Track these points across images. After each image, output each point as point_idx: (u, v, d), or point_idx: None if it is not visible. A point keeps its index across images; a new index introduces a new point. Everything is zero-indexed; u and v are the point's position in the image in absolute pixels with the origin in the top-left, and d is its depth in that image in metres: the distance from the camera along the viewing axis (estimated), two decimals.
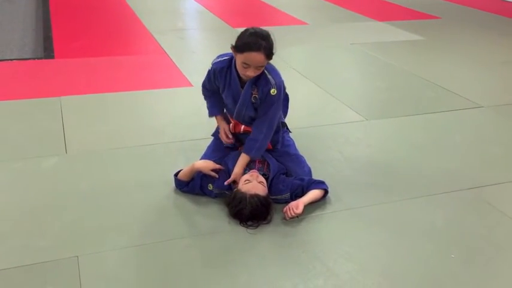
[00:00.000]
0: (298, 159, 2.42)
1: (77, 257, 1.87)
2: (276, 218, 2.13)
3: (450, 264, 1.92)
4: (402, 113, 3.32)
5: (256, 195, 2.08)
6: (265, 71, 2.19)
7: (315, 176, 2.37)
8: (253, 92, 2.22)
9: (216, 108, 2.44)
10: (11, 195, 2.27)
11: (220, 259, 1.90)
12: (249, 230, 2.05)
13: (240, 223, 2.08)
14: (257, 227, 2.07)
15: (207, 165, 2.26)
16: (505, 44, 5.17)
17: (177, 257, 1.90)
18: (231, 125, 2.43)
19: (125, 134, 2.89)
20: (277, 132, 2.39)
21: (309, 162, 2.44)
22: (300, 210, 2.11)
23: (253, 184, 2.13)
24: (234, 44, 2.13)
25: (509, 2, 7.53)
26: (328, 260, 1.90)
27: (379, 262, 1.91)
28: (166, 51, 4.50)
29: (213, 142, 2.51)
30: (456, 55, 4.71)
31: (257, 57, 2.07)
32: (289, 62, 4.17)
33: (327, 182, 2.28)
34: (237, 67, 2.17)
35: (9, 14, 5.94)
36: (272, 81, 2.19)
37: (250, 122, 2.35)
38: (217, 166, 2.28)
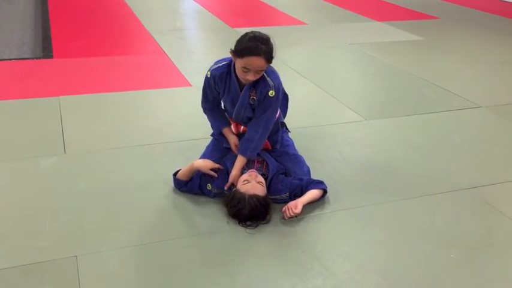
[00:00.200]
0: (297, 159, 2.42)
1: (76, 256, 1.87)
2: (275, 217, 2.13)
3: (449, 264, 1.92)
4: (401, 113, 3.32)
5: (255, 196, 2.08)
6: (264, 74, 2.18)
7: (314, 175, 2.37)
8: (252, 94, 2.22)
9: (220, 122, 2.40)
10: (9, 195, 2.27)
11: (219, 259, 1.90)
12: (248, 230, 2.05)
13: (238, 223, 2.08)
14: (256, 226, 2.07)
15: (206, 165, 2.26)
16: (504, 44, 5.18)
17: (176, 256, 1.90)
18: (232, 125, 2.43)
19: (124, 133, 2.89)
20: (276, 132, 2.40)
21: (308, 162, 2.44)
22: (298, 210, 2.11)
23: (252, 184, 2.13)
24: (233, 48, 2.12)
25: (508, 2, 7.54)
26: (327, 260, 1.90)
27: (377, 262, 1.91)
28: (165, 51, 4.50)
29: (212, 142, 2.50)
30: (455, 55, 4.71)
31: (257, 61, 2.06)
32: (288, 62, 4.17)
33: (325, 182, 2.28)
34: (237, 71, 2.16)
35: (8, 13, 5.94)
36: (271, 83, 2.19)
37: (248, 122, 2.35)
38: (217, 165, 2.28)
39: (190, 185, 2.27)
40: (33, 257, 1.86)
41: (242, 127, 2.40)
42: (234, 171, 2.22)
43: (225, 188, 2.21)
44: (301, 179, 2.26)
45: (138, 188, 2.33)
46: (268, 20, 6.02)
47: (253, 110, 2.28)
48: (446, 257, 1.95)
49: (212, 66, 2.28)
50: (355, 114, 3.27)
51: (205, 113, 2.45)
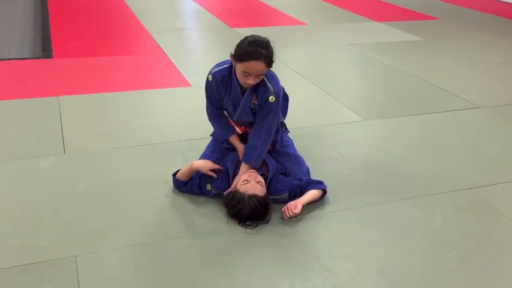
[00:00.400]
0: (297, 159, 2.42)
1: (75, 256, 1.87)
2: (275, 218, 2.14)
3: (448, 264, 1.92)
4: (400, 113, 3.33)
5: (255, 196, 2.08)
6: (265, 78, 2.18)
7: (314, 176, 2.37)
8: (252, 98, 2.22)
9: (227, 130, 2.39)
10: (8, 194, 2.27)
11: (218, 259, 1.90)
12: (247, 230, 2.05)
13: (238, 223, 2.09)
14: (255, 227, 2.07)
15: (206, 165, 2.26)
16: (502, 45, 5.19)
17: (176, 256, 1.90)
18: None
19: (123, 133, 2.89)
20: (276, 132, 2.40)
21: (308, 162, 2.45)
22: (298, 210, 2.11)
23: (251, 184, 2.13)
24: (233, 52, 2.11)
25: (506, 2, 7.55)
26: (326, 260, 1.91)
27: (377, 262, 1.92)
28: (165, 51, 4.50)
29: (212, 142, 2.50)
30: (454, 55, 4.72)
31: (257, 66, 2.06)
32: (288, 63, 4.17)
33: (325, 182, 2.28)
34: (237, 75, 2.16)
35: (8, 13, 5.93)
36: (271, 88, 2.19)
37: (249, 124, 2.37)
38: (216, 166, 2.28)
39: (190, 185, 2.27)
40: (32, 257, 1.86)
41: (243, 127, 2.42)
42: (238, 178, 2.21)
43: (225, 194, 2.20)
44: (300, 179, 2.26)
45: (138, 188, 2.34)
46: (267, 20, 6.03)
47: (253, 114, 2.28)
48: (446, 257, 1.95)
49: (213, 69, 2.27)
50: (354, 114, 3.27)
51: (210, 120, 2.42)
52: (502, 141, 2.98)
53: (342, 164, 2.63)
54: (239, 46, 2.10)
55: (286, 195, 2.22)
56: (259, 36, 2.13)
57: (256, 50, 2.04)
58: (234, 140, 2.37)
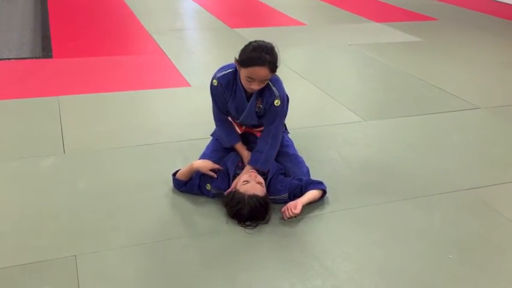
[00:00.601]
0: (297, 160, 2.42)
1: (75, 256, 1.87)
2: (274, 218, 2.14)
3: (448, 264, 1.92)
4: (400, 113, 3.33)
5: (255, 196, 2.08)
6: (270, 83, 2.19)
7: (313, 176, 2.38)
8: (258, 102, 2.23)
9: (232, 137, 2.38)
10: (8, 194, 2.27)
11: (218, 259, 1.91)
12: (247, 230, 2.06)
13: (238, 223, 2.09)
14: (255, 227, 2.07)
15: (206, 165, 2.26)
16: (501, 45, 5.19)
17: (175, 256, 1.91)
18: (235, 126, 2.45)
19: (123, 133, 2.89)
20: None
21: (308, 163, 2.45)
22: (298, 210, 2.11)
23: (251, 184, 2.13)
24: (237, 57, 2.11)
25: (505, 3, 7.56)
26: (326, 260, 1.91)
27: (377, 262, 1.92)
28: (165, 51, 4.50)
29: (212, 142, 2.51)
30: (453, 56, 4.73)
31: (261, 71, 2.06)
32: (288, 63, 4.17)
33: (325, 182, 2.28)
34: (242, 80, 2.16)
35: (8, 13, 5.93)
36: (276, 92, 2.20)
37: (252, 126, 2.38)
38: (216, 166, 2.28)
39: (190, 185, 2.27)
40: (32, 257, 1.86)
41: (243, 127, 2.43)
42: (238, 179, 2.21)
43: (225, 194, 2.20)
44: (300, 180, 2.26)
45: (138, 188, 2.34)
46: (267, 21, 6.03)
47: (258, 117, 2.29)
48: (445, 258, 1.96)
49: (217, 73, 2.27)
50: (354, 114, 3.28)
51: (217, 125, 2.42)
52: (501, 142, 2.98)
53: (341, 164, 2.63)
54: (243, 51, 2.10)
55: (286, 195, 2.22)
56: (263, 41, 2.12)
57: (260, 55, 2.04)
58: (240, 148, 2.36)
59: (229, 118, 2.43)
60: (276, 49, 2.11)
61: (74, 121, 3.02)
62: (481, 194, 2.39)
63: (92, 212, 2.15)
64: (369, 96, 3.70)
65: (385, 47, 4.94)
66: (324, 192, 2.26)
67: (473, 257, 1.97)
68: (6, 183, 2.36)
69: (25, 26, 5.33)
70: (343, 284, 1.79)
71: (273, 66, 2.09)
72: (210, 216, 2.15)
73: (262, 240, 2.02)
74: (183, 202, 2.25)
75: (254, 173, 2.20)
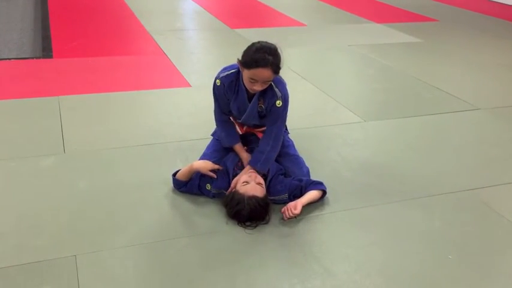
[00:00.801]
0: (297, 160, 2.42)
1: (75, 256, 1.87)
2: (274, 218, 2.14)
3: (448, 265, 1.93)
4: (400, 114, 3.34)
5: (255, 196, 2.08)
6: (272, 84, 2.19)
7: (313, 176, 2.38)
8: (260, 103, 2.23)
9: (232, 138, 2.38)
10: (8, 194, 2.27)
11: (218, 259, 1.91)
12: (247, 231, 2.06)
13: (238, 223, 2.09)
14: (255, 227, 2.07)
15: (206, 166, 2.26)
16: (501, 46, 5.20)
17: (175, 256, 1.91)
18: (236, 126, 2.44)
19: (123, 133, 2.89)
20: None
21: (308, 163, 2.45)
22: (298, 210, 2.11)
23: (251, 185, 2.13)
24: (240, 58, 2.11)
25: (505, 4, 7.57)
26: (326, 261, 1.91)
27: (376, 262, 1.92)
28: (165, 51, 4.50)
29: (212, 142, 2.51)
30: (453, 57, 4.73)
31: (264, 73, 2.06)
32: (288, 63, 4.16)
33: (325, 183, 2.28)
34: (244, 81, 2.16)
35: (8, 13, 5.93)
36: (278, 93, 2.20)
37: (253, 126, 2.38)
38: (216, 166, 2.28)
39: (190, 185, 2.27)
40: (32, 256, 1.87)
41: (244, 128, 2.44)
42: (238, 179, 2.21)
43: (227, 193, 2.20)
44: (300, 180, 2.26)
45: (138, 188, 2.34)
46: (267, 21, 6.03)
47: (260, 117, 2.29)
48: (445, 258, 1.96)
49: (220, 73, 2.27)
50: (354, 115, 3.28)
51: (217, 125, 2.42)
52: (501, 143, 2.99)
53: (341, 165, 2.64)
54: (246, 52, 2.10)
55: (286, 195, 2.22)
56: (266, 42, 2.12)
57: (263, 57, 2.04)
58: (239, 149, 2.36)
59: (231, 118, 2.43)
60: (279, 50, 2.11)
61: (74, 121, 3.02)
62: (480, 195, 2.40)
63: (92, 211, 2.15)
64: (368, 97, 3.70)
65: (385, 47, 4.95)
66: (324, 192, 2.26)
67: (473, 258, 1.97)
68: (6, 183, 2.36)
69: (25, 26, 5.33)
70: (342, 285, 1.80)
71: (276, 67, 2.08)
72: (210, 216, 2.15)
73: (262, 240, 2.02)
74: (183, 202, 2.25)
75: (254, 174, 2.20)
